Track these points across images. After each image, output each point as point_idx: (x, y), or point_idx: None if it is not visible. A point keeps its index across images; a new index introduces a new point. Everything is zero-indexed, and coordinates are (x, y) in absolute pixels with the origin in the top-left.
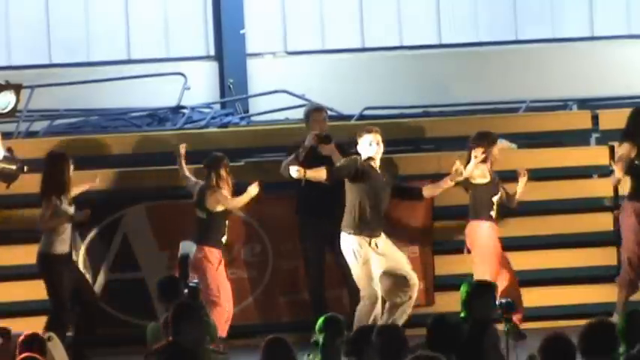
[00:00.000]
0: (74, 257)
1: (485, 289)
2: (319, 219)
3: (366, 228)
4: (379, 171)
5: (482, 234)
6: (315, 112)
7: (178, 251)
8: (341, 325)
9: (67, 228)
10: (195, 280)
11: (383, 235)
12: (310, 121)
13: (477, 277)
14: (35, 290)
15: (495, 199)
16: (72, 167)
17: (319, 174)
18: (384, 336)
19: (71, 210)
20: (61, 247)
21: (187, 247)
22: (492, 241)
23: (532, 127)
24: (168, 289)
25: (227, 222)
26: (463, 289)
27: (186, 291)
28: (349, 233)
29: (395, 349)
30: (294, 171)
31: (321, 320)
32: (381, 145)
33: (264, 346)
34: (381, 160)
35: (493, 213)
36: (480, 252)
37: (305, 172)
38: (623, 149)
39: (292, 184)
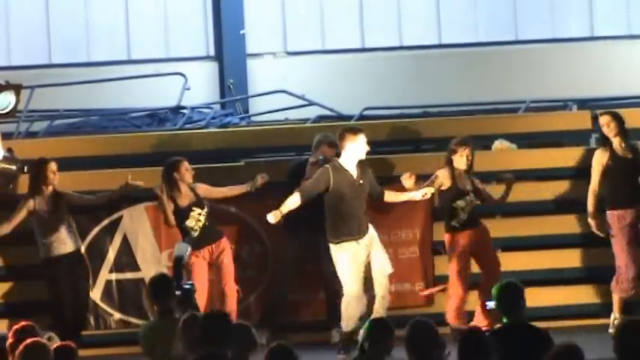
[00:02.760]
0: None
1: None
2: (298, 229)
3: (345, 234)
4: (356, 173)
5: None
6: (328, 145)
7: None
8: (388, 327)
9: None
10: (190, 282)
11: (369, 235)
12: (319, 149)
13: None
14: (35, 291)
15: (459, 203)
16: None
17: (292, 203)
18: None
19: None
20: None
21: (182, 248)
22: (453, 250)
23: (532, 127)
24: (161, 287)
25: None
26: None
27: (179, 293)
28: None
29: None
30: (271, 218)
31: (368, 323)
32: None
33: (268, 353)
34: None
35: (456, 221)
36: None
37: (280, 214)
38: None
39: (291, 184)
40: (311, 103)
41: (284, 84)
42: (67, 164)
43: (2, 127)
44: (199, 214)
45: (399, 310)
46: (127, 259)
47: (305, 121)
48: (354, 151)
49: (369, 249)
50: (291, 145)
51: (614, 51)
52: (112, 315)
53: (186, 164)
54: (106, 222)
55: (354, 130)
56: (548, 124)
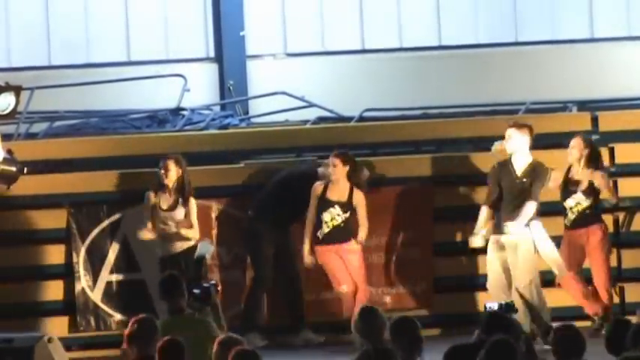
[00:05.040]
0: None
1: None
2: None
3: (495, 227)
4: (522, 169)
5: None
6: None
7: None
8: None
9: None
10: (213, 281)
11: (520, 237)
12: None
13: None
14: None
15: (568, 202)
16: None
17: (483, 217)
18: None
19: None
20: None
21: (205, 247)
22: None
23: None
24: (170, 287)
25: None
26: None
27: (197, 291)
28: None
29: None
30: (478, 242)
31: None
32: (515, 141)
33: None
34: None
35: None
36: None
37: (481, 236)
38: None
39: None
40: (311, 105)
41: (284, 85)
42: (66, 166)
43: (2, 128)
44: (338, 215)
45: (399, 311)
46: (127, 260)
47: (305, 122)
48: (508, 146)
49: (513, 248)
50: (291, 146)
51: (614, 52)
52: (112, 316)
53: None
54: (106, 223)
55: (508, 126)
56: (548, 126)
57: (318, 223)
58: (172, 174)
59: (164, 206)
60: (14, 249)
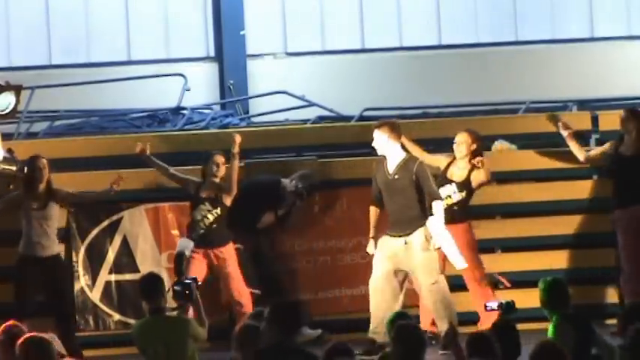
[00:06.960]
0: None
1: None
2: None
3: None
4: (394, 167)
5: None
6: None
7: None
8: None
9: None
10: (194, 276)
11: (413, 239)
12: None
13: None
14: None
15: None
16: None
17: (374, 216)
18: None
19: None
20: None
21: (183, 244)
22: None
23: (532, 128)
24: (151, 286)
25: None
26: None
27: (178, 288)
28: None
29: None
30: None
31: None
32: (376, 141)
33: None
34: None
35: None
36: None
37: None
38: None
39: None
40: (311, 104)
41: (284, 85)
42: (67, 165)
43: (2, 127)
44: (208, 211)
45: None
46: (126, 260)
47: (305, 121)
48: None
49: (408, 254)
50: (291, 146)
51: (614, 51)
52: (111, 316)
53: (216, 158)
54: (105, 223)
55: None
56: (548, 125)
57: (194, 224)
58: (46, 172)
59: (34, 205)
60: (14, 249)
